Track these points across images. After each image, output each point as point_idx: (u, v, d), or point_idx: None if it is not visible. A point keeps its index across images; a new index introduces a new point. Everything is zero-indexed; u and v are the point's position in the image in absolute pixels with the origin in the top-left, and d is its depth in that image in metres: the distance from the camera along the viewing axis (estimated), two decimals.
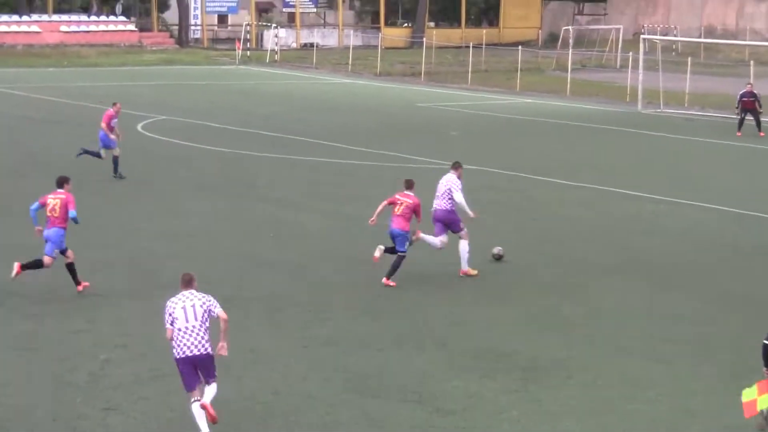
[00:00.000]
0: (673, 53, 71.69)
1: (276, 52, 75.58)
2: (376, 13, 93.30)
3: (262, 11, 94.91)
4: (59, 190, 19.24)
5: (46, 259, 18.93)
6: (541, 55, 74.62)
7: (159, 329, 14.12)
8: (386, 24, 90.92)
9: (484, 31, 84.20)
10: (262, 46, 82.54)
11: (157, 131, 38.87)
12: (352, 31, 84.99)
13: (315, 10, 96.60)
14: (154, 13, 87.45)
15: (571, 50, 65.13)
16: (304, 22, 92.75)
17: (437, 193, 20.85)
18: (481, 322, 18.11)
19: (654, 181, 31.49)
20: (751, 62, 53.30)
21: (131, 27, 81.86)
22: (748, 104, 41.48)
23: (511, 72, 63.35)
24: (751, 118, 41.49)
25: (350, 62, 70.24)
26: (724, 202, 28.21)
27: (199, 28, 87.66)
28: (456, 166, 21.10)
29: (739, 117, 41.69)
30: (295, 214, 26.06)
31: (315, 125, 41.33)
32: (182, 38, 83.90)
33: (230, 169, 31.94)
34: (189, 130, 39.43)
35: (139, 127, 39.50)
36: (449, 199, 20.66)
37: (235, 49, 74.71)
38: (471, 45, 66.63)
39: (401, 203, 19.93)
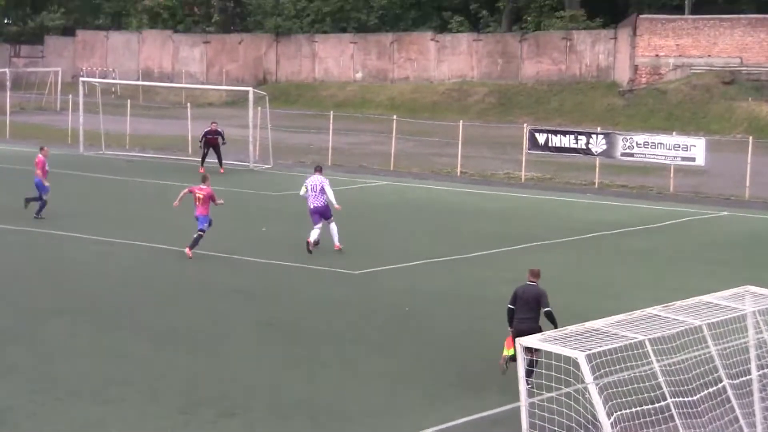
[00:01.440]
0: (113, 96, 72.39)
1: None
2: None
3: None
4: (202, 186, 27.38)
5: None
6: None
7: None
8: None
9: None
10: None
11: None
12: None
13: None
14: None
15: (9, 93, 63.98)
16: None
17: (314, 192, 28.18)
18: None
19: (98, 222, 31.66)
20: (188, 104, 55.00)
21: None
22: (212, 141, 43.28)
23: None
24: (215, 154, 43.51)
25: None
26: (166, 240, 28.90)
27: None
28: (319, 169, 29.23)
29: (203, 153, 43.49)
30: None
31: None
32: None
33: None
34: None
35: None
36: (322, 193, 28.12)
37: None
38: None
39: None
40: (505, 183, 43.76)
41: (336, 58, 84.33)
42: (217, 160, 43.95)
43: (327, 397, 16.86)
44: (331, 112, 53.21)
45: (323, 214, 28.46)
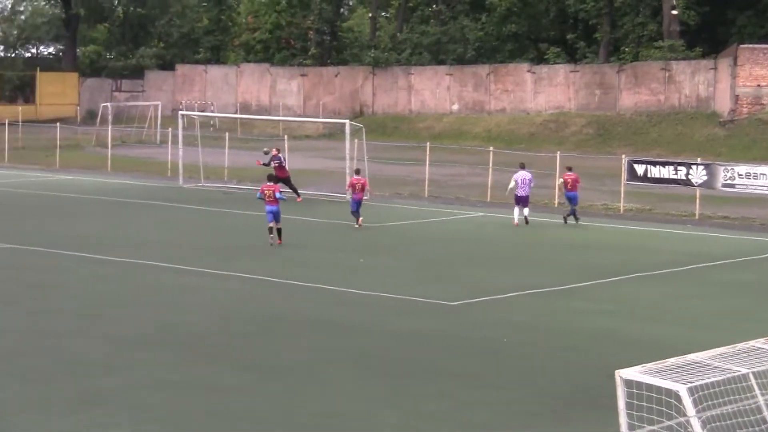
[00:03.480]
0: (211, 128, 73.25)
1: None
2: None
3: None
4: (269, 183, 33.84)
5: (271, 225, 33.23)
6: (80, 132, 73.91)
7: None
8: None
9: (20, 107, 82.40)
10: None
11: None
12: None
13: None
14: None
15: (110, 126, 65.02)
16: None
17: (523, 184, 38.58)
18: (23, 403, 17.60)
19: (193, 253, 31.93)
20: (285, 137, 55.40)
21: None
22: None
23: (50, 149, 62.32)
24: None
25: None
26: (259, 271, 29.02)
27: None
28: (522, 165, 38.03)
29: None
30: None
31: None
32: None
33: None
34: None
35: None
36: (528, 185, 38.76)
37: None
38: (6, 122, 64.96)
39: None
40: (603, 214, 43.29)
41: (432, 90, 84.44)
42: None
43: (424, 427, 16.70)
44: (428, 143, 53.17)
45: (525, 201, 38.69)
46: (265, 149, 47.44)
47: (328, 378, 19.40)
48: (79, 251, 31.57)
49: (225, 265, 30.00)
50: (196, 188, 49.26)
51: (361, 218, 38.08)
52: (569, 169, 41.30)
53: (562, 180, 40.97)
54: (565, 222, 39.89)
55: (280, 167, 43.75)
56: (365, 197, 39.58)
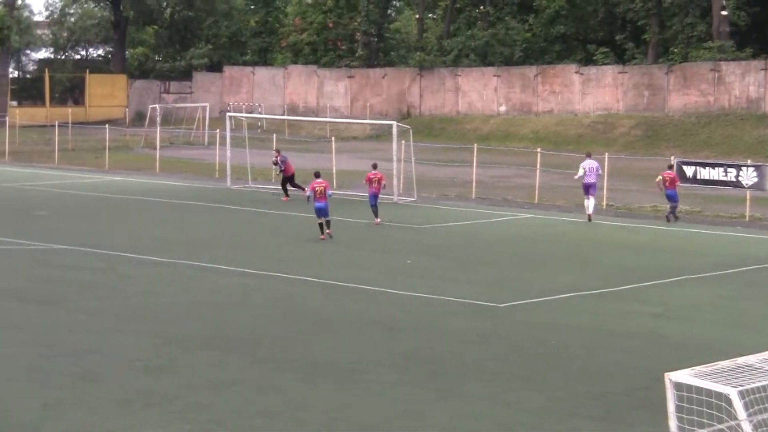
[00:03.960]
0: (259, 130, 73.53)
1: None
2: None
3: None
4: (318, 180, 35.05)
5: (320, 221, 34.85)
6: (129, 133, 74.44)
7: None
8: None
9: (70, 109, 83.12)
10: None
11: None
12: None
13: None
14: None
15: (158, 128, 65.42)
16: None
17: (591, 172, 40.08)
18: (77, 402, 17.79)
19: (243, 255, 32.10)
20: (333, 138, 55.54)
21: None
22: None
23: (99, 150, 62.82)
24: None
25: None
26: (309, 273, 29.14)
27: None
28: (589, 154, 40.02)
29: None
30: None
31: None
32: None
33: None
34: None
35: None
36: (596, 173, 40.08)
37: None
38: (57, 123, 65.55)
39: None
40: (652, 216, 43.05)
41: (479, 92, 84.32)
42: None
43: (473, 429, 16.71)
44: (475, 145, 53.11)
45: (593, 188, 40.57)
46: (275, 149, 48.75)
47: (378, 379, 19.45)
48: (130, 252, 31.83)
49: (274, 266, 30.13)
50: (243, 189, 49.47)
51: (378, 219, 39.02)
52: (670, 167, 42.29)
53: (660, 177, 41.11)
54: (668, 221, 40.38)
55: (282, 169, 45.82)
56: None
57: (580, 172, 40.85)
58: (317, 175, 36.01)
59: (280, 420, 17.06)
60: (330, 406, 17.82)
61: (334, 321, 24.01)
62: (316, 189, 34.91)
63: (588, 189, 40.62)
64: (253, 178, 51.15)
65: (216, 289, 27.24)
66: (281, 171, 45.96)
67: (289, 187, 45.74)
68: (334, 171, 50.26)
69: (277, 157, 46.26)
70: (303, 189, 43.67)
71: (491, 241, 36.36)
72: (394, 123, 50.47)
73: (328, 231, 35.10)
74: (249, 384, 18.99)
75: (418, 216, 41.65)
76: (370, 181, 39.79)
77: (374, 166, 40.71)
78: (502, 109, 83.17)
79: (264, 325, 23.53)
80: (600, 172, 41.56)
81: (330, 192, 35.48)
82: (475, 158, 49.95)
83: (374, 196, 39.63)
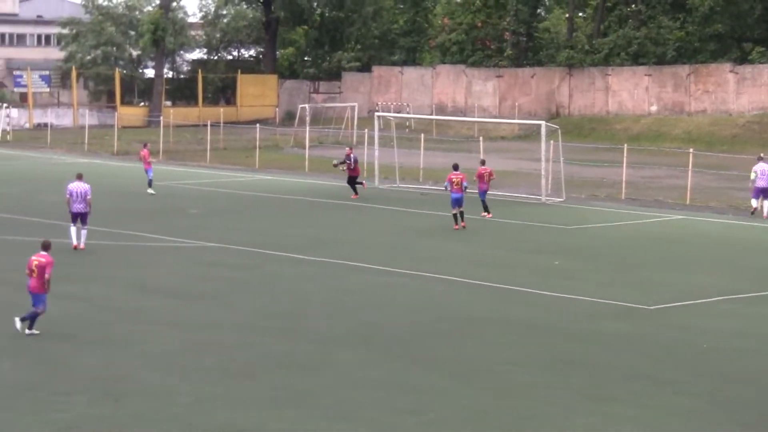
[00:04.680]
0: (407, 130, 73.70)
1: (8, 133, 73.74)
2: (111, 93, 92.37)
3: None
4: (456, 172, 36.05)
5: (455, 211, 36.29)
6: (279, 133, 75.37)
7: None
8: (122, 103, 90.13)
9: (222, 109, 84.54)
10: None
11: None
12: (87, 111, 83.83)
13: (48, 89, 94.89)
14: None
15: (308, 128, 66.06)
16: (37, 101, 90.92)
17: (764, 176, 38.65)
18: (227, 399, 18.05)
19: (388, 253, 32.20)
20: (480, 138, 55.37)
21: None
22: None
23: (250, 149, 63.72)
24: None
25: (86, 141, 69.21)
26: (454, 272, 29.08)
27: None
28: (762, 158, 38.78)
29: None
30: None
31: (48, 205, 40.30)
32: None
33: None
34: None
35: None
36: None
37: None
38: (209, 123, 66.73)
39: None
40: None
41: (630, 91, 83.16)
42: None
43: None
44: (625, 145, 52.35)
45: (766, 192, 40.48)
46: (348, 148, 49.23)
47: (523, 380, 19.32)
48: (280, 251, 32.19)
49: (421, 265, 30.16)
50: (391, 189, 49.65)
51: (489, 213, 39.58)
52: None
53: None
54: None
55: (351, 168, 45.82)
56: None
57: (752, 176, 41.13)
58: (455, 167, 37.34)
59: (425, 419, 17.06)
60: (473, 406, 17.75)
61: (479, 321, 23.92)
62: (453, 180, 36.34)
63: (761, 192, 40.90)
64: (401, 177, 51.28)
65: (363, 288, 27.38)
66: (352, 168, 45.93)
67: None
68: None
69: (349, 154, 46.31)
70: (356, 190, 45.44)
71: (640, 243, 35.80)
72: (543, 123, 50.07)
73: (462, 223, 36.32)
74: (394, 383, 19.04)
75: (565, 216, 41.24)
76: (480, 177, 39.76)
77: (482, 162, 40.67)
78: (653, 108, 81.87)
79: (411, 323, 23.56)
80: None
81: (466, 184, 36.51)
82: (625, 158, 49.24)
83: (483, 193, 39.88)
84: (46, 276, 21.28)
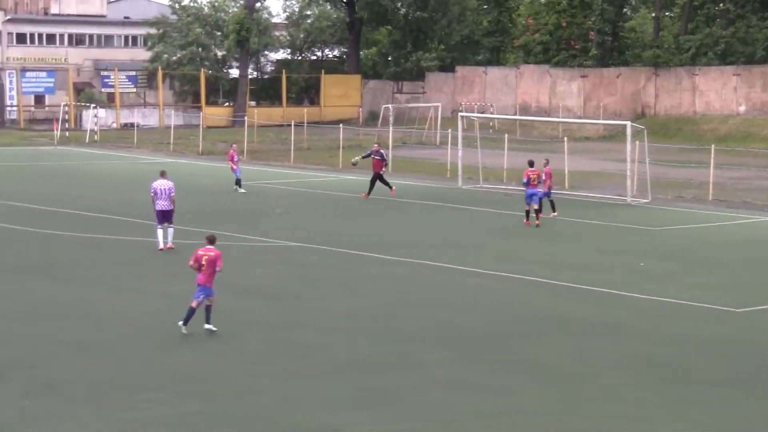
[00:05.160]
0: (491, 130, 73.44)
1: (95, 133, 74.73)
2: (197, 93, 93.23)
3: (80, 91, 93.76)
4: (532, 168, 36.64)
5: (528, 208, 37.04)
6: (362, 133, 75.50)
7: None
8: (207, 103, 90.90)
9: (306, 109, 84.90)
10: (81, 126, 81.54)
11: None
12: (172, 111, 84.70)
13: (135, 89, 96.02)
14: None
15: (391, 128, 66.07)
16: (124, 101, 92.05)
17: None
18: (311, 398, 18.08)
19: (472, 254, 32.07)
20: (565, 139, 54.98)
21: None
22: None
23: (333, 149, 63.90)
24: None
25: (172, 141, 69.91)
26: (538, 273, 28.90)
27: (15, 109, 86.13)
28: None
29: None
30: (114, 294, 25.68)
31: (135, 204, 40.72)
32: None
33: (47, 251, 31.37)
34: (6, 213, 38.58)
35: None
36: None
37: (53, 130, 73.61)
38: (293, 123, 67.02)
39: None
40: None
41: (717, 91, 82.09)
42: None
43: None
44: (712, 146, 51.67)
45: None
46: (376, 142, 49.07)
47: (607, 383, 19.12)
48: (364, 251, 32.19)
49: (505, 266, 30.01)
50: (475, 189, 49.47)
51: (553, 213, 39.28)
52: None
53: None
54: None
55: (380, 161, 45.67)
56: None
57: None
58: (531, 164, 38.19)
59: (505, 422, 16.98)
60: (558, 408, 17.60)
61: (563, 322, 23.74)
62: (531, 176, 37.07)
63: None
64: (485, 178, 51.09)
65: (448, 289, 27.30)
66: (384, 164, 45.65)
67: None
68: (566, 171, 49.70)
69: (378, 149, 46.08)
70: (371, 190, 45.04)
71: (728, 245, 35.30)
72: (628, 123, 49.57)
73: (537, 221, 36.80)
74: (475, 384, 18.97)
75: (651, 218, 40.79)
76: (528, 177, 37.96)
77: (531, 164, 38.84)
78: (742, 109, 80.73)
79: (493, 324, 23.46)
80: None
81: (542, 179, 37.51)
82: (712, 159, 48.59)
83: (544, 193, 38.83)
84: (217, 269, 21.77)
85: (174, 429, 16.52)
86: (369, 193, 45.34)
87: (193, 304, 21.75)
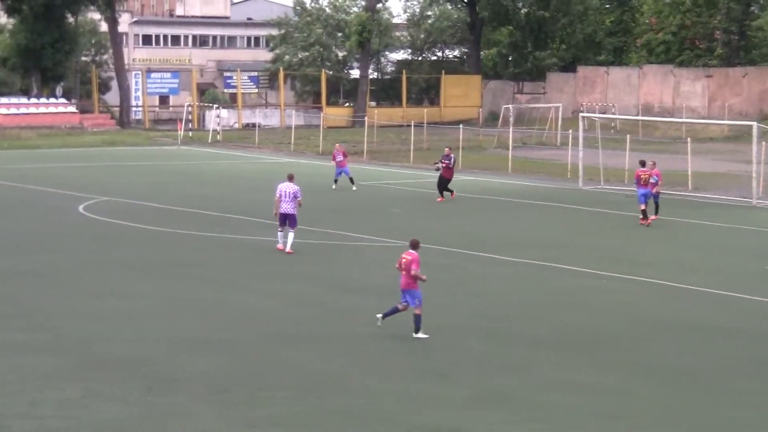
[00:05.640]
0: (612, 131, 72.65)
1: (218, 133, 75.73)
2: (318, 93, 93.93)
3: (203, 91, 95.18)
4: (643, 168, 37.43)
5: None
6: (482, 133, 75.27)
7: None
8: (328, 104, 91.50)
9: (425, 109, 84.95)
10: (204, 126, 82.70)
11: (99, 212, 38.67)
12: (293, 111, 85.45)
13: (256, 90, 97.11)
14: (95, 95, 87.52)
15: (511, 128, 65.72)
16: (246, 102, 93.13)
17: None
18: (427, 399, 18.06)
19: (589, 256, 31.74)
20: (688, 139, 54.13)
21: (72, 109, 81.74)
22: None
23: (453, 150, 63.71)
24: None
25: (292, 142, 70.50)
26: (654, 275, 28.49)
27: (140, 109, 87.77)
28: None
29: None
30: (234, 293, 25.94)
31: (256, 204, 41.13)
32: (123, 120, 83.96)
33: (170, 249, 31.83)
34: (131, 211, 39.26)
35: (80, 208, 39.31)
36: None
37: (176, 130, 74.78)
38: (412, 123, 67.08)
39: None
40: None
41: None
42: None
43: None
44: None
45: None
46: (447, 148, 47.49)
47: (729, 386, 18.80)
48: (482, 251, 32.06)
49: (622, 268, 29.66)
50: (596, 190, 48.97)
51: (652, 217, 37.92)
52: None
53: None
54: None
55: (448, 168, 44.42)
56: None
57: None
58: (642, 163, 38.38)
59: (627, 424, 16.75)
60: (678, 411, 17.35)
61: (682, 325, 23.41)
62: (642, 177, 37.38)
63: None
64: (606, 179, 50.54)
65: (563, 290, 27.08)
66: (450, 168, 44.83)
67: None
68: (690, 173, 48.92)
69: (449, 154, 45.09)
70: (443, 194, 44.25)
71: None
72: (755, 124, 48.60)
73: (646, 221, 37.19)
74: (595, 386, 18.82)
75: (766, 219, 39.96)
76: (638, 178, 38.06)
77: (643, 164, 38.58)
78: None
79: (608, 326, 23.25)
80: None
81: (654, 179, 37.18)
82: None
83: (644, 196, 37.87)
84: (412, 272, 21.89)
85: (293, 427, 16.64)
86: (442, 196, 44.78)
87: (399, 306, 22.03)
